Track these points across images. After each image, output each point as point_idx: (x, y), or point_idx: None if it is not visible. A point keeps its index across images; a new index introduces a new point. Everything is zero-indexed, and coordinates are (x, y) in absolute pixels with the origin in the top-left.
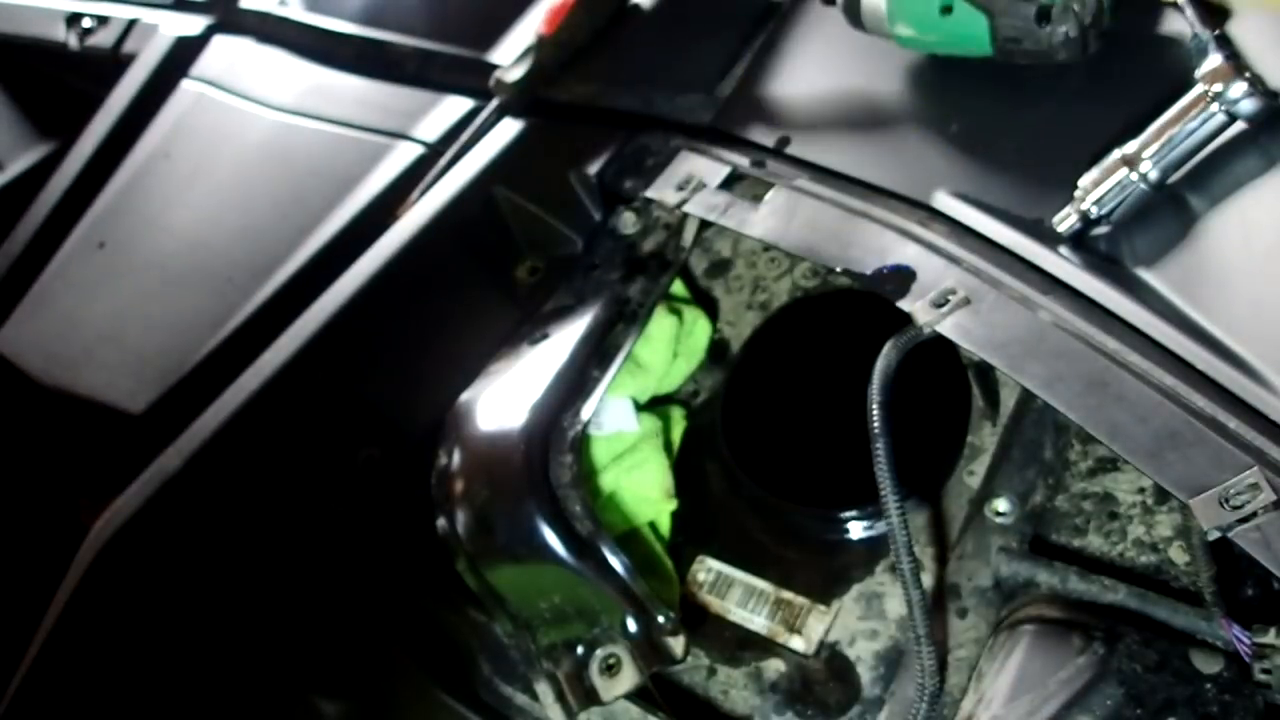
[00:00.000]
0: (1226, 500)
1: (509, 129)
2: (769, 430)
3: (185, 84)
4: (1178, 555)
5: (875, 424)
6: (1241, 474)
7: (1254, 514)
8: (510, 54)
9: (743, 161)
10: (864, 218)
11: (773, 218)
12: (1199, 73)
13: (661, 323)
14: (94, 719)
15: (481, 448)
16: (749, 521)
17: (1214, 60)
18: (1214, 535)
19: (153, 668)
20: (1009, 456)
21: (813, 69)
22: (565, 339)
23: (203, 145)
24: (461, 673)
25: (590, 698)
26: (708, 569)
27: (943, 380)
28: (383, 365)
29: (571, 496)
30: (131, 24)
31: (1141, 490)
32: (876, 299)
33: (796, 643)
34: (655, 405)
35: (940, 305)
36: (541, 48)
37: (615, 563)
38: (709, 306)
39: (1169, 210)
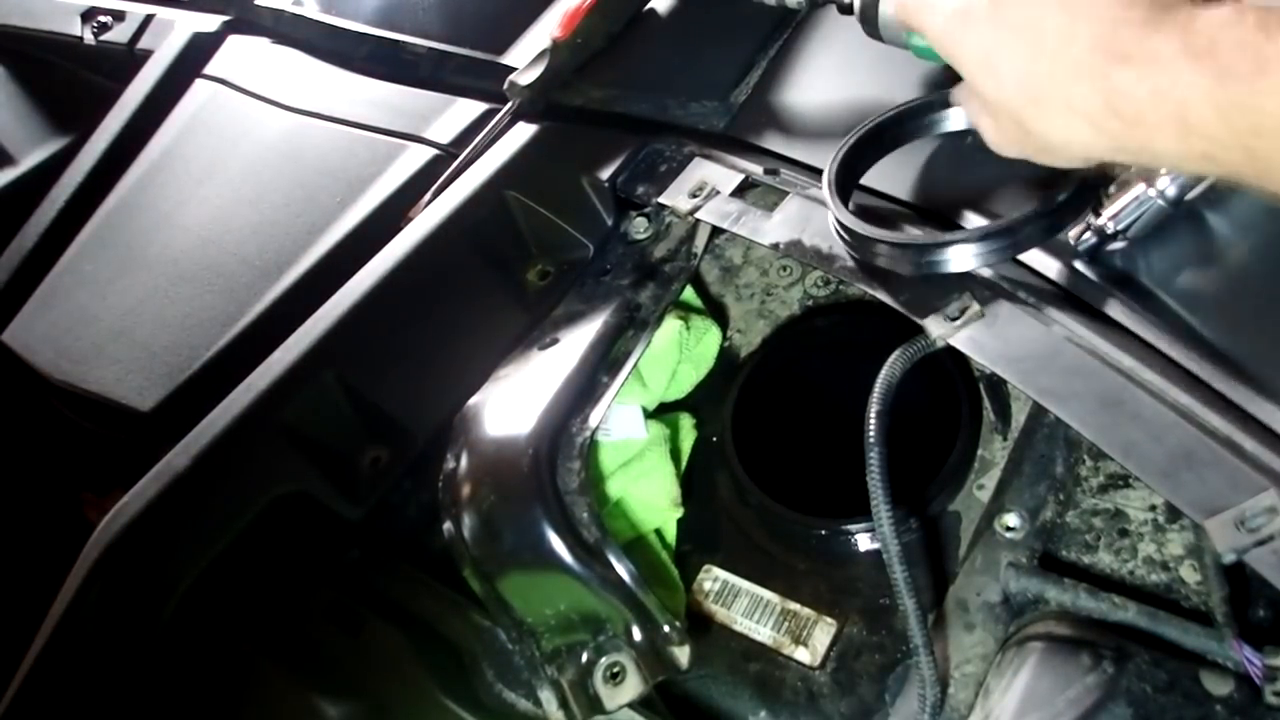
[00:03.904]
0: (1243, 522)
1: (522, 132)
2: (777, 439)
3: (199, 82)
4: (1189, 574)
5: (871, 432)
6: (1258, 496)
7: (1271, 537)
8: (525, 57)
9: (756, 169)
10: None
11: (785, 226)
12: None
13: (664, 329)
14: (97, 719)
15: (489, 452)
16: (756, 531)
17: None
18: (1230, 558)
19: (157, 667)
20: (1019, 471)
21: (828, 78)
22: (575, 344)
23: (216, 143)
24: (464, 677)
25: (594, 705)
26: (714, 578)
27: (954, 393)
28: (391, 366)
29: (579, 503)
30: (147, 19)
31: (1153, 508)
32: (889, 310)
33: (802, 654)
34: (664, 412)
35: (954, 318)
36: (556, 51)
37: (621, 570)
38: (719, 314)
39: (1186, 227)
